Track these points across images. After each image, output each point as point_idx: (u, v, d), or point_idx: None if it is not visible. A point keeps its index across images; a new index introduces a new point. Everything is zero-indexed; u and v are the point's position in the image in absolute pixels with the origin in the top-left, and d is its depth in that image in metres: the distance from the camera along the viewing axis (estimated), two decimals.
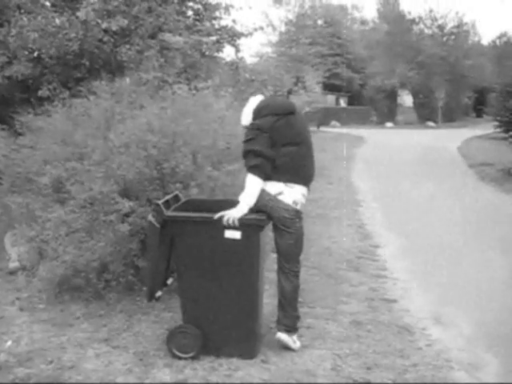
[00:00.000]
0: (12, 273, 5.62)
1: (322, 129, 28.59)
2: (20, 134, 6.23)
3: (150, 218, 3.73)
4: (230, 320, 3.81)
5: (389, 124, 36.74)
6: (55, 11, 7.58)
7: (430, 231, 7.59)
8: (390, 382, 3.56)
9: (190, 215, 3.76)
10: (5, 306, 4.85)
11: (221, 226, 3.62)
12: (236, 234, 3.66)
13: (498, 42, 47.94)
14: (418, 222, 8.19)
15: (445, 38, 40.08)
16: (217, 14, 9.93)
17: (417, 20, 40.51)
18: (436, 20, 40.12)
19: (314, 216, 8.16)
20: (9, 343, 4.06)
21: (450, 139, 22.82)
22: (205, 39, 8.69)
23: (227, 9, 9.72)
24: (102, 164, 4.87)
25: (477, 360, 3.89)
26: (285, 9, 47.29)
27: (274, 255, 6.23)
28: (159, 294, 3.99)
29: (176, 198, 4.14)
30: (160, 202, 3.75)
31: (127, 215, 4.71)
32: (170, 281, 4.13)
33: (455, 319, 4.60)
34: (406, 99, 43.32)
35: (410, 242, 7.07)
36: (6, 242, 6.17)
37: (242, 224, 3.63)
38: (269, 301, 4.80)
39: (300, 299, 4.91)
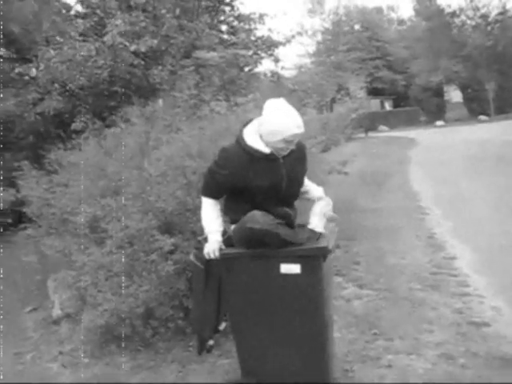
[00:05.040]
0: (55, 322, 5.21)
1: (371, 134, 27.72)
2: (52, 172, 5.86)
3: (192, 257, 3.19)
4: (297, 367, 3.20)
5: (439, 122, 35.38)
6: (83, 40, 7.26)
7: (508, 238, 6.75)
8: None
9: (237, 251, 3.19)
10: (47, 362, 4.42)
11: (276, 260, 3.04)
12: (295, 269, 3.06)
13: None
14: (490, 226, 7.37)
15: (489, 27, 38.50)
16: (251, 24, 9.47)
17: (457, 12, 39.14)
18: (478, 9, 38.64)
19: (376, 229, 7.47)
20: None
21: (507, 132, 21.54)
22: (242, 52, 8.18)
23: (261, 18, 9.24)
24: (138, 197, 4.38)
25: None
26: (320, 17, 46.78)
27: (339, 279, 5.71)
28: (211, 343, 3.42)
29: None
30: (202, 238, 3.20)
31: (171, 252, 4.19)
32: (222, 326, 3.53)
33: None
34: (454, 95, 41.84)
35: (487, 250, 6.27)
36: (49, 288, 5.79)
37: (301, 256, 3.04)
38: (340, 335, 4.19)
39: (375, 330, 4.31)
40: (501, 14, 38.23)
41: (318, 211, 3.33)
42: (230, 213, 3.29)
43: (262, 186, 3.09)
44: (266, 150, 3.09)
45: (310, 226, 3.24)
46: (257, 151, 3.08)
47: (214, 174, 3.20)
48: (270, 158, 3.10)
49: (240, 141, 3.14)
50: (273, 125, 3.03)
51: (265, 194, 3.13)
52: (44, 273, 5.89)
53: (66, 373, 4.18)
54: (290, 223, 3.22)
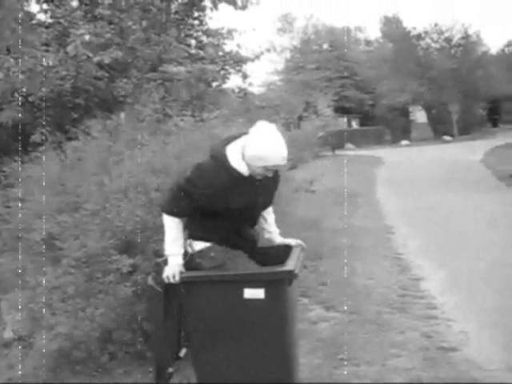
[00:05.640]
0: (6, 345, 4.91)
1: (338, 152, 27.87)
2: (8, 186, 5.59)
3: (150, 281, 3.00)
4: None
5: (404, 142, 35.85)
6: (45, 50, 7.01)
7: (474, 257, 6.75)
8: None
9: (197, 275, 3.01)
10: None
11: (240, 284, 2.88)
12: (259, 293, 2.90)
13: (506, 50, 47.15)
14: (456, 246, 7.38)
15: (453, 51, 39.38)
16: (219, 39, 9.35)
17: (423, 35, 39.96)
18: (442, 33, 39.52)
19: (343, 249, 7.37)
20: None
21: (470, 152, 21.94)
22: (209, 67, 8.04)
23: (230, 33, 9.13)
24: (96, 214, 4.17)
25: None
26: (289, 36, 47.18)
27: (305, 300, 5.57)
28: (171, 370, 3.23)
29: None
30: (161, 260, 3.02)
31: (130, 273, 3.99)
32: (182, 352, 3.34)
33: None
34: (419, 115, 42.51)
35: (454, 271, 6.24)
36: (2, 308, 5.48)
37: (265, 280, 2.89)
38: (305, 361, 4.03)
39: (342, 356, 4.17)
40: (463, 38, 39.21)
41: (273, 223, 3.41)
42: (192, 229, 3.13)
43: (238, 206, 2.96)
44: (246, 172, 2.94)
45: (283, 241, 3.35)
46: (238, 173, 2.93)
47: (185, 192, 2.97)
48: (248, 179, 2.96)
49: (220, 159, 2.95)
50: (258, 151, 2.88)
51: (239, 215, 3.02)
52: None
53: None
54: (254, 245, 3.10)
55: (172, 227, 3.03)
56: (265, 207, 3.27)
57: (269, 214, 3.39)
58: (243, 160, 2.93)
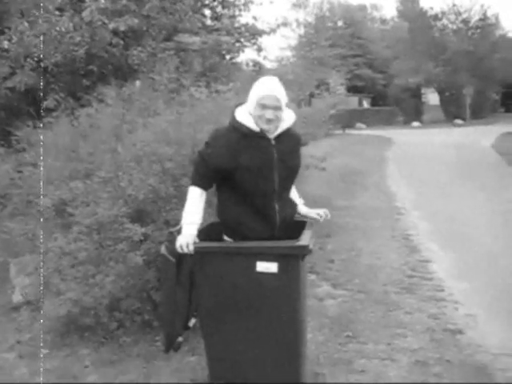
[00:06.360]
0: (15, 308, 4.95)
1: (348, 131, 27.68)
2: (20, 151, 5.56)
3: (163, 250, 2.98)
4: (268, 369, 3.04)
5: (415, 123, 35.57)
6: (60, 15, 6.92)
7: (484, 242, 6.72)
8: None
9: (211, 245, 3.00)
10: (3, 352, 4.16)
11: (253, 257, 2.87)
12: (272, 267, 2.89)
13: None
14: (466, 228, 7.34)
15: (470, 33, 38.77)
16: (236, 11, 9.21)
17: (439, 15, 39.30)
18: (460, 14, 38.85)
19: (352, 228, 7.36)
20: None
21: (481, 136, 21.70)
22: (224, 38, 7.93)
23: (246, 5, 8.99)
24: (109, 182, 4.15)
25: None
26: (304, 11, 46.55)
27: (313, 276, 5.57)
28: (180, 340, 3.24)
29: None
30: (175, 230, 3.00)
31: (141, 242, 3.98)
32: (191, 322, 3.33)
33: None
34: (432, 97, 42.11)
35: (464, 254, 6.22)
36: (12, 272, 5.52)
37: (279, 254, 2.87)
38: (311, 336, 4.05)
39: (348, 333, 4.19)
40: (481, 20, 38.54)
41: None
42: (222, 217, 3.11)
43: (250, 164, 2.92)
44: (256, 128, 2.96)
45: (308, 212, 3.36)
46: (246, 128, 2.96)
47: (203, 156, 3.03)
48: (259, 136, 2.97)
49: (231, 119, 3.04)
50: (252, 90, 3.00)
51: (255, 180, 2.94)
52: (6, 255, 5.59)
53: (22, 365, 3.93)
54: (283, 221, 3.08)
55: (192, 197, 3.02)
56: (287, 177, 3.09)
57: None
58: (250, 116, 2.99)
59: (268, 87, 2.97)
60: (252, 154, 2.93)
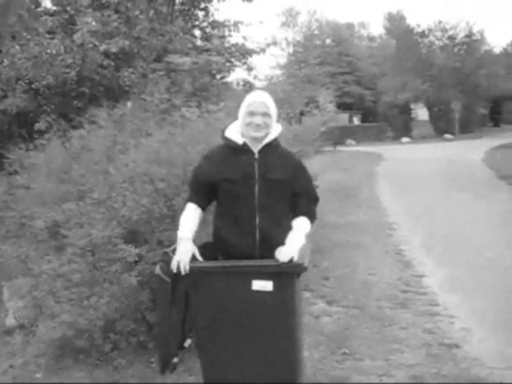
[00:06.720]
0: (8, 332, 4.91)
1: (339, 148, 27.82)
2: (12, 173, 5.56)
3: (158, 270, 2.97)
4: None
5: (405, 139, 35.80)
6: (51, 38, 6.96)
7: (476, 255, 6.74)
8: None
9: (206, 265, 2.99)
10: None
11: (248, 276, 2.87)
12: (267, 285, 2.89)
13: (509, 49, 47.00)
14: (457, 242, 7.37)
15: (456, 49, 39.25)
16: (225, 31, 9.29)
17: (426, 32, 39.80)
18: (446, 31, 39.36)
19: (345, 244, 7.37)
20: None
21: (471, 151, 21.87)
22: (215, 58, 7.99)
23: (236, 25, 9.08)
24: (102, 203, 4.15)
25: None
26: (292, 30, 47.05)
27: (308, 294, 5.56)
28: (176, 360, 3.22)
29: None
30: (169, 250, 3.00)
31: (135, 262, 3.98)
32: (187, 343, 3.33)
33: None
34: (421, 113, 42.44)
35: (456, 268, 6.24)
36: (5, 295, 5.48)
37: (274, 272, 2.87)
38: (308, 353, 4.04)
39: (345, 350, 4.18)
40: (467, 36, 39.07)
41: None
42: (212, 234, 3.14)
43: (232, 179, 2.95)
44: (239, 141, 3.03)
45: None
46: (231, 141, 3.04)
47: (194, 172, 3.16)
48: (243, 149, 3.02)
49: (221, 136, 3.14)
50: (243, 102, 3.08)
51: (236, 193, 2.95)
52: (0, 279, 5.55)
53: None
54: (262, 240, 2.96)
55: (188, 211, 3.08)
56: (270, 190, 2.96)
57: (298, 222, 3.09)
58: (239, 131, 3.06)
59: (256, 94, 3.08)
60: (234, 168, 2.98)
